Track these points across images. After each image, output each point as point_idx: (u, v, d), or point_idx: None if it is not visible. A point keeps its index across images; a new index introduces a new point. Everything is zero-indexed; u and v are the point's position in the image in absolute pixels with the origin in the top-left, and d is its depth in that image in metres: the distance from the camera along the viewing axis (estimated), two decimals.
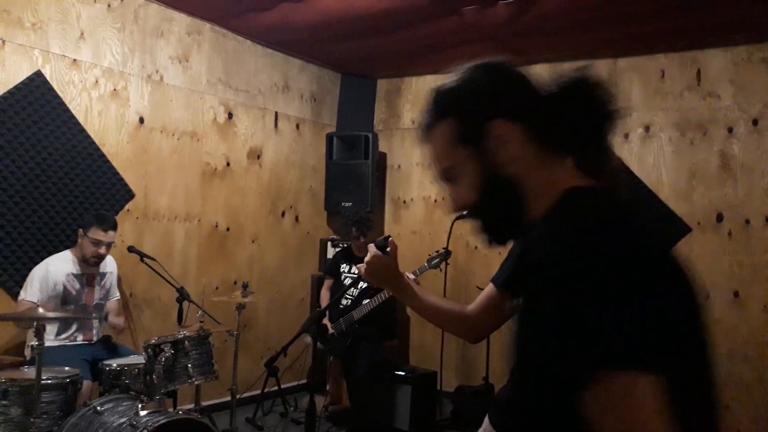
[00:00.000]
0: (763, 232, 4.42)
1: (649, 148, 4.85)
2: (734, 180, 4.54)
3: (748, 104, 4.53)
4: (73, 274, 3.52)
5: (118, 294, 3.85)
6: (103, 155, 4.04)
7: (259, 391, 4.66)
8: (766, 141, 4.46)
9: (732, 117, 4.58)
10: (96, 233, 3.49)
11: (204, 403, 3.94)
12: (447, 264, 4.59)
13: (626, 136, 4.94)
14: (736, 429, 4.40)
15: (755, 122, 4.49)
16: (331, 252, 5.41)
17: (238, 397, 3.77)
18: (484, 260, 5.45)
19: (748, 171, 4.50)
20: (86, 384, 3.20)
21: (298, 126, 5.51)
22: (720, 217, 4.57)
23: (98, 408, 2.80)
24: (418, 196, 5.83)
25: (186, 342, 2.99)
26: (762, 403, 4.30)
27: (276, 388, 4.58)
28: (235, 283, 4.81)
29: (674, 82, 4.80)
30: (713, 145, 4.63)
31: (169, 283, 3.90)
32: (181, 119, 4.55)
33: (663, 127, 4.81)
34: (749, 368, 4.40)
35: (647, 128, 4.86)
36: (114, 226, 3.60)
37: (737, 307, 4.48)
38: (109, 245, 3.57)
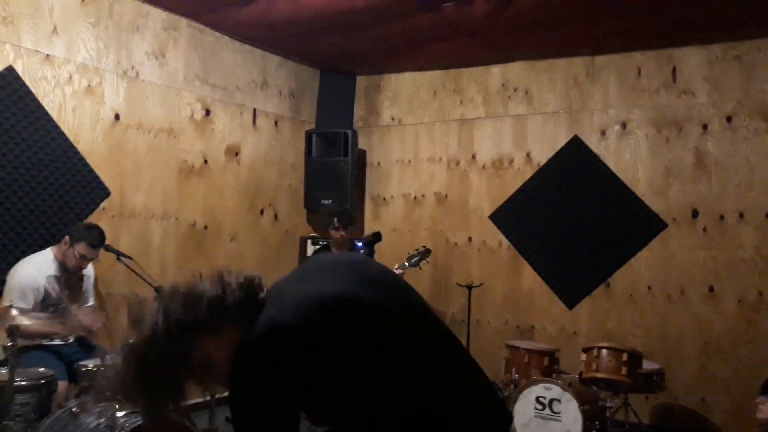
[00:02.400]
0: (737, 227, 4.50)
1: (626, 144, 4.90)
2: (709, 176, 4.61)
3: (723, 102, 4.60)
4: (53, 276, 3.44)
5: (92, 301, 3.78)
6: (77, 153, 3.96)
7: None
8: (739, 138, 4.53)
9: (706, 114, 4.64)
10: (84, 249, 3.43)
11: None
12: (427, 262, 4.60)
13: (603, 133, 4.99)
14: (712, 422, 4.48)
15: (729, 119, 4.56)
16: (310, 250, 5.38)
17: (217, 396, 3.72)
18: (463, 257, 5.47)
19: (722, 168, 4.57)
20: (62, 385, 3.15)
21: (276, 123, 5.46)
22: (695, 213, 4.63)
23: (74, 410, 2.74)
24: (398, 194, 5.82)
25: None
26: (737, 397, 4.38)
27: None
28: None
29: (650, 79, 4.85)
30: (688, 142, 4.69)
31: (147, 282, 3.84)
32: (158, 116, 4.48)
33: (639, 124, 4.86)
34: (724, 362, 4.48)
35: (624, 125, 4.91)
36: (102, 242, 3.54)
37: (712, 301, 4.55)
38: (93, 260, 3.53)
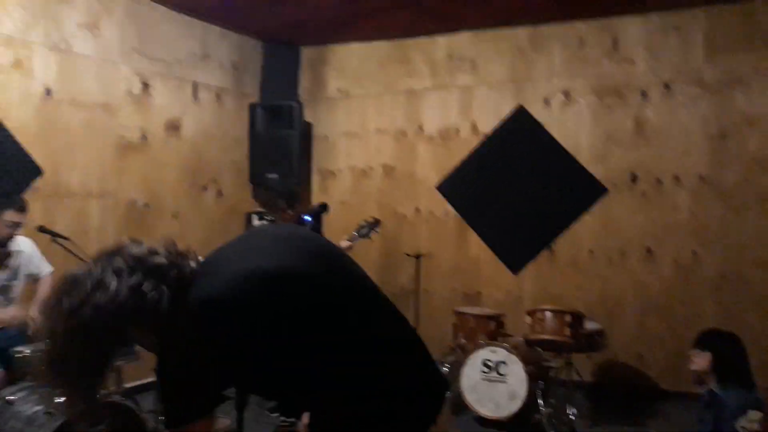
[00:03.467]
0: (673, 191, 4.66)
1: (569, 113, 4.99)
2: (647, 142, 4.74)
3: (661, 70, 4.71)
4: None
5: (45, 269, 3.68)
6: (5, 130, 3.79)
7: None
8: (676, 105, 4.66)
9: (646, 82, 4.76)
10: (13, 216, 3.33)
11: (127, 385, 3.83)
12: (377, 232, 4.62)
13: (547, 102, 5.05)
14: (648, 376, 4.69)
15: (667, 87, 4.68)
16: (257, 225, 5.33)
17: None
18: (411, 228, 5.51)
19: (660, 133, 4.71)
20: None
21: (218, 96, 5.33)
22: (634, 178, 4.77)
23: (9, 398, 2.67)
24: (346, 167, 5.80)
25: None
26: (671, 353, 4.58)
27: None
28: None
29: (592, 49, 4.93)
30: (628, 110, 4.80)
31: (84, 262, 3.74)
32: (93, 91, 4.32)
33: (582, 92, 4.95)
34: (660, 321, 4.67)
35: (567, 94, 4.99)
36: (27, 206, 3.45)
37: (650, 263, 4.72)
38: (21, 225, 3.43)
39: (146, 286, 1.26)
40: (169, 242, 1.36)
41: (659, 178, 4.70)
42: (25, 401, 2.64)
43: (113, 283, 1.25)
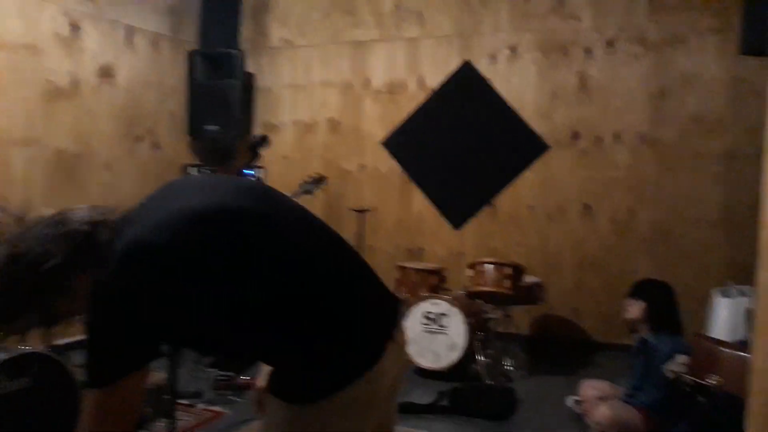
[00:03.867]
0: (612, 148, 4.74)
1: (514, 69, 4.98)
2: (590, 99, 4.79)
3: (605, 27, 4.74)
4: None
5: None
6: None
7: None
8: (619, 63, 4.71)
9: (590, 39, 4.78)
10: None
11: (57, 342, 3.68)
12: (320, 189, 4.54)
13: (493, 57, 5.03)
14: (582, 329, 4.84)
15: (610, 44, 4.72)
16: None
17: None
18: (355, 184, 5.46)
19: (602, 91, 4.76)
20: None
21: (155, 42, 5.08)
22: (576, 135, 4.83)
23: None
24: (289, 120, 5.66)
25: None
26: (605, 306, 4.74)
27: None
28: None
29: (539, 4, 4.91)
30: (573, 66, 4.83)
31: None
32: (15, 31, 4.03)
33: (528, 48, 4.94)
34: (596, 276, 4.81)
35: (513, 49, 4.97)
36: None
37: (588, 219, 4.83)
38: None
39: (69, 249, 1.21)
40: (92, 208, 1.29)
41: (600, 136, 4.78)
42: None
43: (38, 248, 1.19)
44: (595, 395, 3.40)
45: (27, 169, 4.15)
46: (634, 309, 3.34)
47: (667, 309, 3.30)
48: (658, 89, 4.64)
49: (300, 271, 1.30)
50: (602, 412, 3.15)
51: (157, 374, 3.46)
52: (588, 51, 4.78)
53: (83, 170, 4.54)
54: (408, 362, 1.53)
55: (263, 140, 3.71)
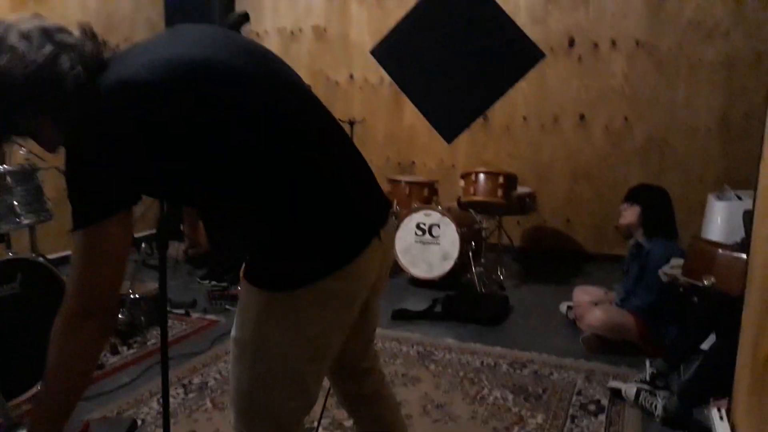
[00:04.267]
0: (609, 56, 4.60)
1: None
2: (586, 4, 4.60)
3: None
4: None
5: None
6: None
7: None
8: None
9: None
10: None
11: (48, 257, 3.60)
12: None
13: None
14: (575, 240, 4.85)
15: None
16: None
17: None
18: (344, 96, 5.29)
19: None
20: None
21: None
22: (572, 42, 4.67)
23: None
24: (272, 28, 5.40)
25: (7, 178, 2.61)
26: (598, 217, 4.74)
27: None
28: None
29: None
30: None
31: None
32: None
33: None
34: (589, 186, 4.77)
35: None
36: None
37: (582, 129, 4.74)
38: None
39: (60, 60, 1.08)
40: (84, 24, 1.17)
41: (596, 42, 4.62)
42: None
43: (22, 47, 1.07)
44: (588, 300, 3.43)
45: None
46: (629, 213, 3.32)
47: (662, 213, 3.28)
48: None
49: (292, 141, 1.21)
50: (595, 316, 3.18)
51: (150, 285, 3.43)
52: None
53: None
54: (392, 264, 1.48)
55: (243, 17, 3.42)
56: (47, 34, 1.11)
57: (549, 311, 3.71)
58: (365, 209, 1.33)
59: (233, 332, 1.33)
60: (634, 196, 3.34)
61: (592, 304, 3.35)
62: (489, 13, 4.78)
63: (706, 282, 2.71)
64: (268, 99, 1.21)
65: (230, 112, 1.15)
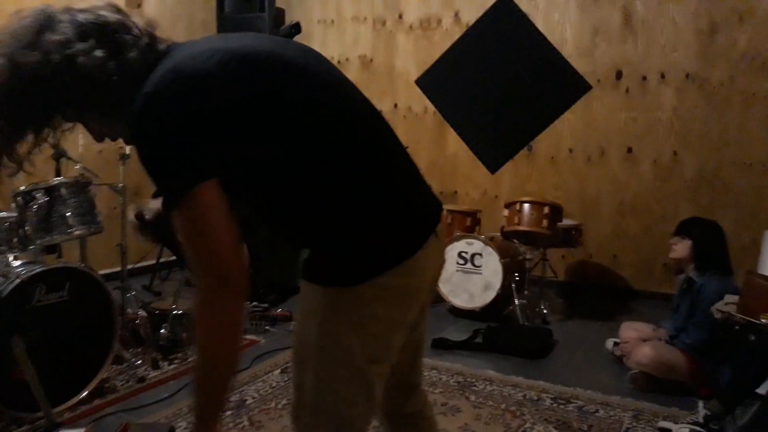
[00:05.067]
0: (657, 88, 4.53)
1: (555, 4, 4.75)
2: (635, 37, 4.57)
3: None
4: None
5: None
6: None
7: (154, 261, 4.45)
8: None
9: None
10: None
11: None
12: None
13: None
14: (621, 276, 4.72)
15: None
16: None
17: (131, 267, 3.53)
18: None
19: (648, 27, 4.52)
20: None
21: None
22: (619, 75, 4.62)
23: None
24: None
25: (62, 189, 2.69)
26: (645, 253, 4.60)
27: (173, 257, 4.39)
28: (121, 148, 4.41)
29: None
30: (617, 2, 4.59)
31: None
32: None
33: None
34: (637, 221, 4.66)
35: None
36: None
37: (630, 162, 4.65)
38: None
39: (111, 64, 1.10)
40: (143, 16, 1.19)
41: (645, 75, 4.56)
42: None
43: (77, 48, 1.08)
44: (636, 337, 3.31)
45: None
46: (680, 248, 3.21)
47: (715, 247, 3.17)
48: (707, 25, 4.39)
49: (353, 132, 1.21)
50: (644, 353, 3.06)
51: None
52: None
53: None
54: (443, 264, 1.46)
55: (295, 28, 3.37)
56: (105, 31, 1.11)
57: (594, 347, 3.59)
58: (422, 205, 1.32)
59: (295, 338, 1.30)
60: (685, 229, 3.24)
61: (640, 341, 3.23)
62: (535, 45, 4.79)
63: (763, 320, 2.60)
64: (331, 91, 1.23)
65: (298, 101, 1.16)
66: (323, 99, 1.20)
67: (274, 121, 1.14)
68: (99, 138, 1.25)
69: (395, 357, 1.31)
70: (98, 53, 1.09)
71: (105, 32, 1.12)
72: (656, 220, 4.56)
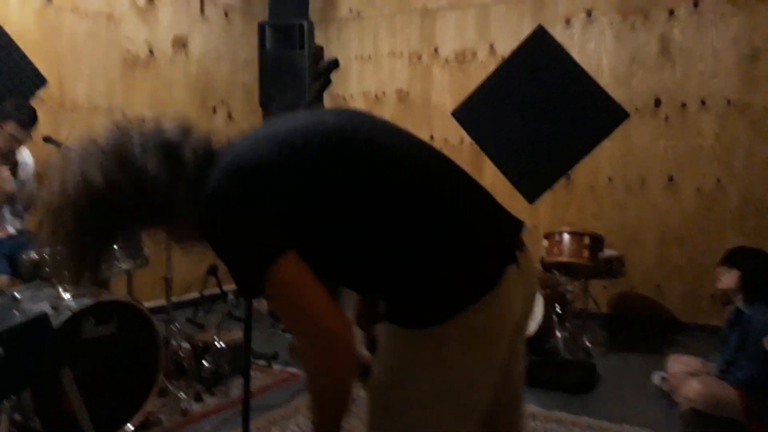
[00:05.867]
0: (698, 115, 4.47)
1: (591, 33, 4.76)
2: (673, 64, 4.53)
3: None
4: None
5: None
6: (5, 35, 3.63)
7: (198, 294, 4.54)
8: (705, 23, 4.43)
9: None
10: (13, 129, 3.18)
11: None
12: None
13: (568, 21, 4.82)
14: (666, 308, 4.60)
15: (696, 4, 4.44)
16: None
17: (176, 300, 3.62)
18: None
19: (686, 54, 4.48)
20: (4, 279, 2.99)
21: (227, 14, 5.13)
22: (658, 102, 4.58)
23: (16, 296, 2.60)
24: (358, 92, 5.62)
25: None
26: (690, 283, 4.48)
27: (217, 290, 4.48)
28: None
29: None
30: (654, 29, 4.57)
31: None
32: (95, 0, 4.13)
33: (605, 11, 4.71)
34: (680, 251, 4.55)
35: (589, 13, 4.75)
36: (34, 121, 3.29)
37: (671, 191, 4.57)
38: (24, 141, 3.28)
39: (174, 184, 1.17)
40: (184, 122, 1.27)
41: (684, 102, 4.51)
42: (31, 299, 2.57)
43: (141, 164, 1.16)
44: (684, 371, 3.21)
45: None
46: (727, 278, 3.12)
47: (763, 277, 3.07)
48: (749, 51, 4.33)
49: (416, 171, 1.24)
50: (693, 388, 2.96)
51: (235, 334, 3.51)
52: (671, 12, 4.51)
53: None
54: (535, 295, 1.39)
55: (333, 64, 3.49)
56: (166, 152, 1.18)
57: (640, 381, 3.49)
58: (497, 235, 1.28)
59: (375, 379, 1.26)
60: (732, 259, 3.16)
61: (688, 375, 3.12)
62: (571, 75, 4.80)
63: None
64: (385, 148, 1.25)
65: (356, 166, 1.20)
66: (380, 157, 1.22)
67: (338, 191, 1.17)
68: (179, 242, 1.31)
69: (483, 403, 1.25)
70: (164, 176, 1.16)
71: (169, 152, 1.19)
72: (701, 249, 4.45)
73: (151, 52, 4.51)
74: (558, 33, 4.84)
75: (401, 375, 1.19)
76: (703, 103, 4.45)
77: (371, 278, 1.25)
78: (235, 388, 3.19)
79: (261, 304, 4.44)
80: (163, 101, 4.63)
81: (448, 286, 1.18)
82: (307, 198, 1.15)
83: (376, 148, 1.23)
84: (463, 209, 1.26)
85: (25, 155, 3.43)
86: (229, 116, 5.21)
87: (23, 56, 3.71)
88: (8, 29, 3.64)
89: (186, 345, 3.28)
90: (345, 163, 1.18)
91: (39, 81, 3.80)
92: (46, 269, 2.85)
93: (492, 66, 5.08)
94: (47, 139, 3.55)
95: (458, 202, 1.26)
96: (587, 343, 4.02)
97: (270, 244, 1.13)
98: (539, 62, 4.90)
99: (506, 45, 5.01)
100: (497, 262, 1.22)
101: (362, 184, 1.18)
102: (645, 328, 4.57)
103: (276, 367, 3.55)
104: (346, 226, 1.18)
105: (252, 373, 3.33)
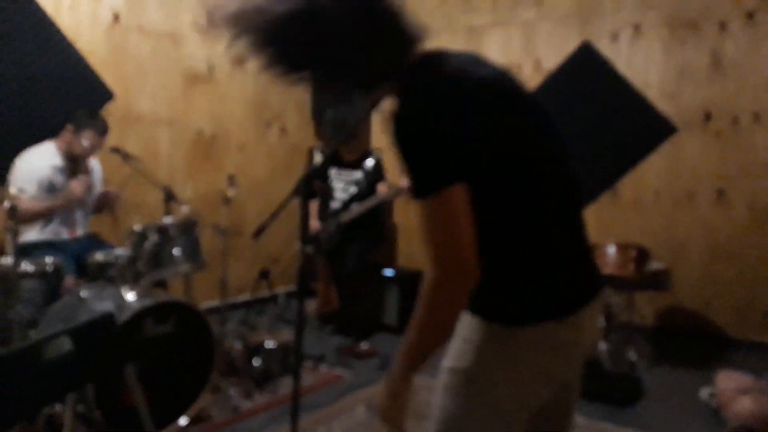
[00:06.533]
0: (751, 129, 4.40)
1: (638, 48, 4.76)
2: (724, 78, 4.48)
3: None
4: (57, 167, 3.43)
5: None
6: (77, 52, 3.89)
7: (249, 297, 4.72)
8: (760, 36, 4.37)
9: (725, 12, 4.46)
10: (93, 138, 3.41)
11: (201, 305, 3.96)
12: None
13: (615, 36, 4.83)
14: (716, 324, 4.52)
15: (750, 16, 4.39)
16: (318, 157, 5.35)
17: (230, 302, 3.78)
18: None
19: (738, 68, 4.43)
20: (70, 279, 3.17)
21: None
22: (708, 116, 4.53)
23: (82, 295, 2.78)
24: None
25: (172, 229, 2.97)
26: (742, 299, 4.39)
27: (268, 292, 4.65)
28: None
29: None
30: (704, 43, 4.54)
31: (155, 183, 3.84)
32: (158, 20, 4.39)
33: (653, 25, 4.70)
34: (730, 265, 4.47)
35: (637, 27, 4.75)
36: (107, 131, 3.52)
37: (721, 205, 4.50)
38: (98, 149, 3.51)
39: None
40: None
41: (736, 116, 4.45)
42: (96, 299, 2.75)
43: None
44: (735, 388, 3.16)
45: (171, 146, 4.53)
46: None
47: None
48: None
49: (548, 172, 1.34)
50: (744, 406, 2.92)
51: (285, 335, 3.65)
52: (723, 25, 4.47)
53: (219, 150, 4.87)
54: (598, 335, 1.50)
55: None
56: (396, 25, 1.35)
57: (687, 397, 3.45)
58: (590, 273, 1.39)
59: (447, 362, 1.36)
60: None
61: (739, 393, 3.08)
62: (617, 89, 4.79)
63: None
64: (555, 151, 1.41)
65: (520, 137, 1.29)
66: (545, 155, 1.37)
67: (506, 147, 1.25)
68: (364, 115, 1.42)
69: (535, 408, 1.32)
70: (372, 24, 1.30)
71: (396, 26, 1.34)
72: (752, 265, 4.36)
73: (210, 69, 4.75)
74: (604, 47, 4.85)
75: (479, 362, 1.29)
76: (756, 116, 4.38)
77: (487, 256, 1.26)
78: (283, 387, 3.31)
79: (310, 308, 4.59)
80: (221, 115, 4.86)
81: (545, 293, 1.29)
82: (491, 140, 1.22)
83: (544, 144, 1.38)
84: (571, 237, 1.37)
85: (93, 162, 3.67)
86: (283, 130, 5.40)
87: (93, 71, 3.97)
88: (79, 46, 3.91)
89: (238, 345, 3.43)
90: (521, 128, 1.30)
91: (107, 95, 4.06)
92: (111, 272, 3.05)
93: (538, 81, 5.12)
94: (114, 150, 3.80)
95: (569, 227, 1.37)
96: (633, 356, 3.98)
97: (454, 164, 1.18)
98: (585, 76, 4.92)
99: (552, 61, 5.05)
100: (585, 293, 1.34)
101: (520, 160, 1.27)
102: (692, 342, 4.50)
103: (322, 368, 3.66)
104: (496, 190, 1.25)
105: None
